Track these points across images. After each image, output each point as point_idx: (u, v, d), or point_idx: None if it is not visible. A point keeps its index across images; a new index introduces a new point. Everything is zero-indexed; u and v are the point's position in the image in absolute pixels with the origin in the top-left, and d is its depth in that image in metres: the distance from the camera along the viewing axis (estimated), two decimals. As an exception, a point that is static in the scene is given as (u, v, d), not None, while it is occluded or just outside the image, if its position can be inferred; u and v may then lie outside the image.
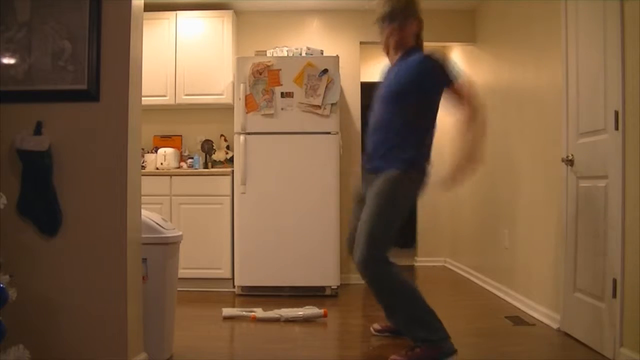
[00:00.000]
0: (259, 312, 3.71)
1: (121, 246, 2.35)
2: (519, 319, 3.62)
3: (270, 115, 4.49)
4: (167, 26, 4.94)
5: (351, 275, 4.99)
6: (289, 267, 4.42)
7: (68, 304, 2.33)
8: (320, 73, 4.48)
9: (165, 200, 4.66)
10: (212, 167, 5.04)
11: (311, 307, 3.74)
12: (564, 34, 3.28)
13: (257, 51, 4.83)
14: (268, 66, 4.50)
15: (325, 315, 3.68)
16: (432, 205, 6.21)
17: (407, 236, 6.94)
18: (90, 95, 2.36)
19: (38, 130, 2.32)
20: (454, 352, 2.69)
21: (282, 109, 4.49)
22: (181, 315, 3.22)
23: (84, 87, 2.36)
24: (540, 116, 3.73)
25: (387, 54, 3.07)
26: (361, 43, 5.24)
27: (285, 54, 4.66)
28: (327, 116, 4.46)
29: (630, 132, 2.62)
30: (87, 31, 2.36)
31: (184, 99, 4.93)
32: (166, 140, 5.17)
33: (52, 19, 2.36)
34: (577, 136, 3.14)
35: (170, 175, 4.71)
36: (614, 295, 2.71)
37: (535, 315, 3.65)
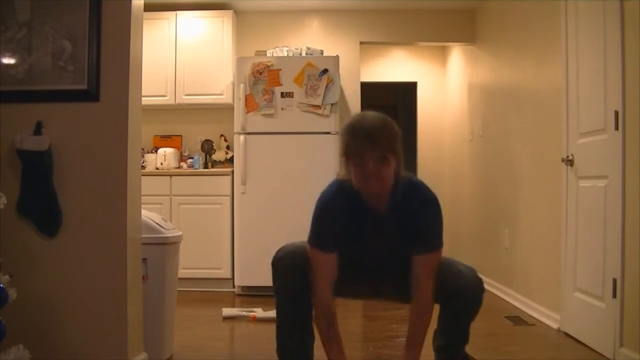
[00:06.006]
0: (259, 312, 3.71)
1: (121, 246, 2.34)
2: (519, 319, 3.62)
3: (270, 115, 4.49)
4: (167, 26, 4.93)
5: (351, 275, 4.99)
6: (289, 267, 4.42)
7: (68, 304, 2.33)
8: (320, 73, 4.48)
9: (165, 200, 4.66)
10: (212, 167, 5.04)
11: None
12: (564, 34, 3.28)
13: (257, 51, 4.83)
14: (268, 66, 4.50)
15: (325, 315, 3.67)
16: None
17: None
18: (90, 95, 2.36)
19: (38, 130, 2.32)
20: None
21: (282, 109, 4.49)
22: (181, 315, 3.22)
23: (84, 87, 2.36)
24: (540, 116, 3.73)
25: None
26: (361, 43, 5.24)
27: (285, 54, 4.66)
28: (327, 116, 4.46)
29: (630, 132, 2.62)
30: (87, 31, 2.35)
31: (184, 99, 4.93)
32: (166, 140, 5.16)
33: (52, 19, 2.36)
34: (577, 136, 3.14)
35: (170, 175, 4.71)
36: (614, 295, 2.71)
37: (535, 315, 3.65)
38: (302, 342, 2.24)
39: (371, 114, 2.07)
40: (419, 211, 2.11)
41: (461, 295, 2.07)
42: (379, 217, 2.13)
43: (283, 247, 2.27)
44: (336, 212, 2.14)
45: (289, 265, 2.16)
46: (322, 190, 2.22)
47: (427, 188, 2.16)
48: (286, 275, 2.17)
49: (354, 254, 2.18)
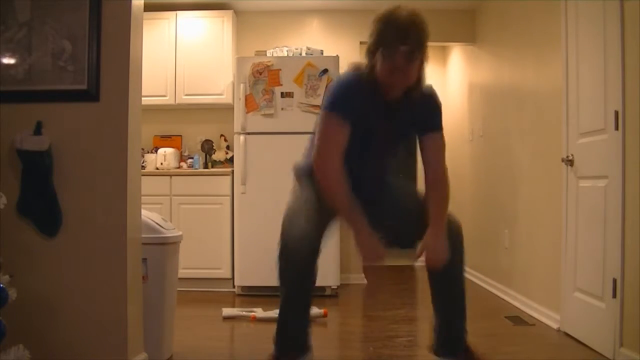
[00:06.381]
0: (259, 312, 3.71)
1: (121, 246, 2.34)
2: (519, 319, 3.62)
3: (270, 115, 4.49)
4: (167, 26, 4.93)
5: (351, 275, 4.99)
6: (289, 267, 4.42)
7: (68, 304, 2.33)
8: (320, 73, 4.48)
9: (165, 200, 4.66)
10: (212, 167, 5.04)
11: (311, 307, 3.74)
12: (564, 34, 3.28)
13: (257, 51, 4.83)
14: (268, 66, 4.50)
15: (325, 315, 3.68)
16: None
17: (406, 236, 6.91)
18: (90, 95, 2.36)
19: (38, 130, 2.32)
20: None
21: (282, 109, 4.49)
22: (181, 315, 3.22)
23: (84, 87, 2.36)
24: (540, 116, 3.73)
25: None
26: (361, 43, 5.23)
27: (285, 54, 4.66)
28: (327, 116, 4.46)
29: (630, 132, 2.62)
30: (87, 31, 2.35)
31: (184, 99, 4.93)
32: (166, 140, 5.17)
33: (52, 19, 2.36)
34: (577, 136, 3.14)
35: (170, 175, 4.71)
36: (614, 295, 2.71)
37: (535, 315, 3.65)
38: (303, 325, 2.35)
39: (406, 9, 2.15)
40: (425, 104, 2.31)
41: (449, 265, 2.21)
42: (392, 107, 2.24)
43: (289, 228, 2.28)
44: (357, 89, 2.20)
45: (304, 247, 2.21)
46: (339, 76, 2.35)
47: (435, 93, 2.39)
48: (300, 257, 2.22)
49: (361, 141, 2.26)
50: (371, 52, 2.16)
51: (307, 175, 2.37)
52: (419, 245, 2.25)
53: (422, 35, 2.12)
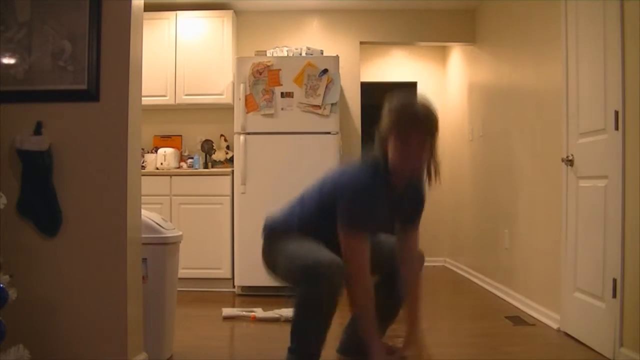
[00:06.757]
0: (259, 312, 3.71)
1: (121, 246, 2.34)
2: (519, 319, 3.62)
3: (270, 115, 4.49)
4: (167, 26, 4.94)
5: (351, 275, 4.99)
6: (289, 267, 4.42)
7: (68, 304, 2.33)
8: (320, 73, 4.48)
9: (165, 200, 4.66)
10: (212, 167, 5.04)
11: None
12: (564, 34, 3.28)
13: (257, 51, 4.83)
14: (268, 66, 4.50)
15: (325, 315, 3.67)
16: (431, 205, 6.20)
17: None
18: (90, 95, 2.36)
19: (38, 130, 2.32)
20: None
21: (282, 109, 4.49)
22: (181, 315, 3.22)
23: (84, 87, 2.36)
24: (540, 116, 3.73)
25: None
26: (361, 43, 5.24)
27: (285, 54, 4.67)
28: (327, 116, 4.46)
29: (630, 132, 2.62)
30: (87, 31, 2.35)
31: (184, 99, 4.93)
32: (166, 140, 5.17)
33: (52, 19, 2.36)
34: (577, 136, 3.14)
35: (170, 175, 4.71)
36: (614, 295, 2.71)
37: (535, 315, 3.65)
38: (321, 344, 2.35)
39: (418, 99, 2.30)
40: (420, 198, 2.45)
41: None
42: (396, 192, 2.34)
43: (314, 260, 2.19)
44: (376, 194, 2.25)
45: (335, 278, 2.17)
46: (352, 173, 2.33)
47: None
48: (333, 286, 2.18)
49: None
50: (384, 138, 2.25)
51: (300, 230, 2.41)
52: (403, 343, 2.43)
53: (434, 124, 2.23)
